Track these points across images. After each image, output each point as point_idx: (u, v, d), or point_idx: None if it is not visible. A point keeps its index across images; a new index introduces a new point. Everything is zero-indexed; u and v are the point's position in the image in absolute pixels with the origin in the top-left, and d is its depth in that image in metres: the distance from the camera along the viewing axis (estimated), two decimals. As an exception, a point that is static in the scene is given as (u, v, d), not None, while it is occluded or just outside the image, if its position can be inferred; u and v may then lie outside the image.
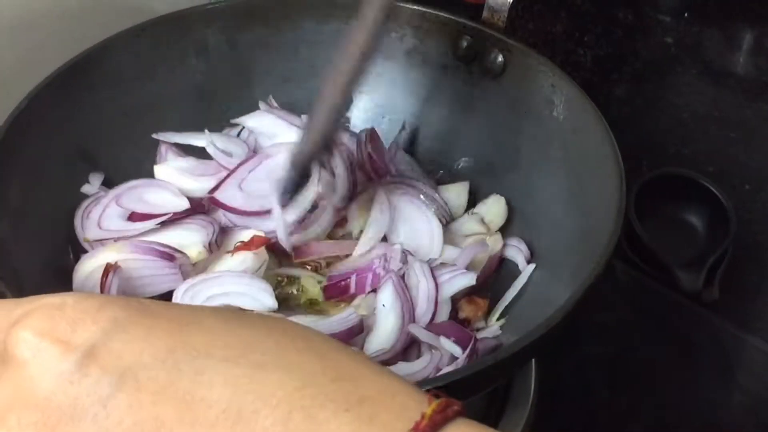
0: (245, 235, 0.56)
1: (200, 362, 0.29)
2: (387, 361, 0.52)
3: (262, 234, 0.56)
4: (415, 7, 0.64)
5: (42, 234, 0.55)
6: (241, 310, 0.33)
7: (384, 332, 0.53)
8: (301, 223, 0.57)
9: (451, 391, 0.42)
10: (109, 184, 0.61)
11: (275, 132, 0.64)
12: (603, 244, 0.48)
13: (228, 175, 0.60)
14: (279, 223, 0.56)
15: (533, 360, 0.58)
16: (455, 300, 0.56)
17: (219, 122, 0.66)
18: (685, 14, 0.92)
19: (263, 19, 0.65)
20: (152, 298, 0.53)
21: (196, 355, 0.29)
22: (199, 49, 0.65)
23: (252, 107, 0.66)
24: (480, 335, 0.54)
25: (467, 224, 0.61)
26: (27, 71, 0.58)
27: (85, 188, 0.60)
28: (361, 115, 0.67)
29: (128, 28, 0.62)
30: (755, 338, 0.65)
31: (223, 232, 0.58)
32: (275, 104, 0.67)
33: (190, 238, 0.56)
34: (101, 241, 0.56)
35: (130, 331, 0.29)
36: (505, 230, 0.61)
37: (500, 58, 0.62)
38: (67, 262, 0.56)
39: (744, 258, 0.70)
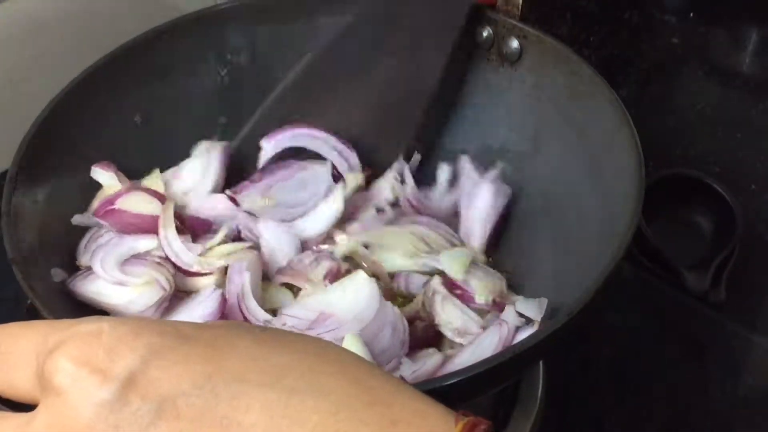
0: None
1: (236, 387, 0.29)
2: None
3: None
4: None
5: (65, 239, 0.57)
6: (277, 330, 0.33)
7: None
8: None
9: (460, 391, 0.42)
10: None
11: None
12: (615, 245, 0.49)
13: (254, 181, 0.60)
14: None
15: (541, 361, 0.58)
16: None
17: (239, 119, 0.66)
18: (691, 14, 0.92)
19: (279, 16, 0.66)
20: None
21: (232, 380, 0.29)
22: (219, 48, 0.66)
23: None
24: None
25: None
26: (50, 70, 0.60)
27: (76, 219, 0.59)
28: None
29: (147, 30, 0.63)
30: (763, 338, 0.65)
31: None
32: None
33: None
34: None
35: (167, 357, 0.30)
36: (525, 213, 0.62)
37: (516, 45, 0.62)
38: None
39: (751, 258, 0.70)
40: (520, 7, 0.62)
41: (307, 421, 0.28)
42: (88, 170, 0.60)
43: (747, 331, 0.66)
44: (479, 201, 0.61)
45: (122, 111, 0.62)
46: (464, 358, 0.52)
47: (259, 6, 0.66)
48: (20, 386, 0.32)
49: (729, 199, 0.70)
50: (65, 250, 0.56)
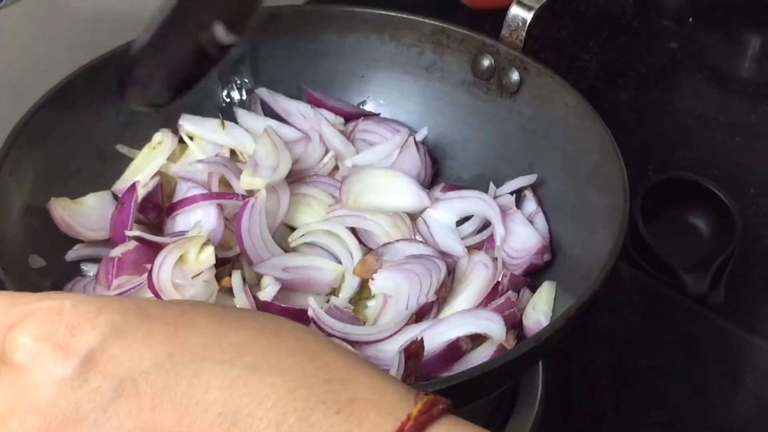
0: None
1: (197, 365, 0.29)
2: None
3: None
4: (435, 22, 0.65)
5: (50, 228, 0.57)
6: (238, 309, 0.33)
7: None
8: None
9: (459, 393, 0.43)
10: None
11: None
12: (605, 254, 0.50)
13: None
14: None
15: (540, 362, 0.59)
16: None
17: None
18: (690, 19, 0.93)
19: (285, 30, 0.66)
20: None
21: (193, 358, 0.29)
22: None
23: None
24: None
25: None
26: (40, 76, 0.59)
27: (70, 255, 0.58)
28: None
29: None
30: (762, 340, 0.66)
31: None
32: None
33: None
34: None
35: (128, 335, 0.30)
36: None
37: (517, 76, 0.63)
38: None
39: (750, 261, 0.71)
40: (523, 39, 0.63)
41: (266, 398, 0.28)
42: (79, 158, 0.60)
43: (746, 334, 0.66)
44: None
45: (119, 109, 0.62)
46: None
47: (266, 18, 0.66)
48: None
49: (728, 202, 0.71)
50: (47, 238, 0.56)
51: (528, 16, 0.63)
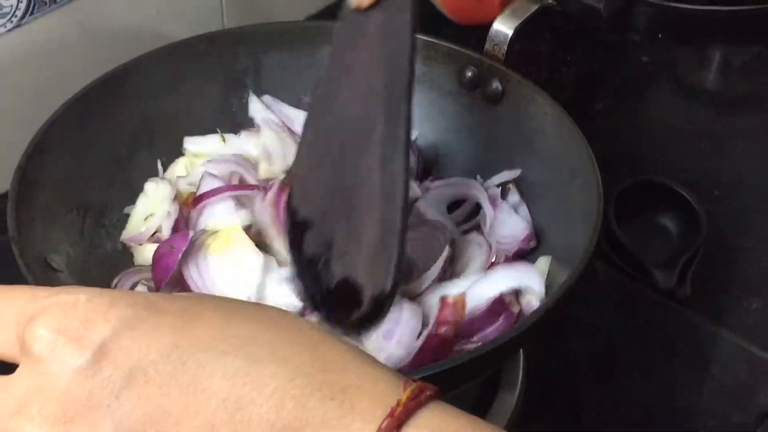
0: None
1: (202, 355, 0.30)
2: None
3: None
4: (425, 38, 0.68)
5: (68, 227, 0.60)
6: (242, 302, 0.35)
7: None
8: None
9: (446, 378, 0.46)
10: (132, 189, 0.65)
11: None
12: (581, 252, 0.53)
13: None
14: None
15: (521, 351, 0.62)
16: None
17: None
18: (660, 35, 0.96)
19: (288, 44, 0.69)
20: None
21: (198, 349, 0.30)
22: (226, 69, 0.69)
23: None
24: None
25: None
26: (52, 94, 0.62)
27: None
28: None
29: (161, 47, 0.66)
30: (726, 331, 0.68)
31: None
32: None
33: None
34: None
35: (138, 328, 0.31)
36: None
37: (499, 87, 0.66)
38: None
39: (715, 259, 0.73)
40: (505, 53, 0.67)
41: (266, 386, 0.30)
42: (95, 163, 0.63)
43: (711, 324, 0.69)
44: None
45: (129, 121, 0.65)
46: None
47: (269, 32, 0.69)
48: (0, 348, 0.33)
49: (694, 203, 0.74)
50: (65, 237, 0.59)
51: (509, 31, 0.67)
